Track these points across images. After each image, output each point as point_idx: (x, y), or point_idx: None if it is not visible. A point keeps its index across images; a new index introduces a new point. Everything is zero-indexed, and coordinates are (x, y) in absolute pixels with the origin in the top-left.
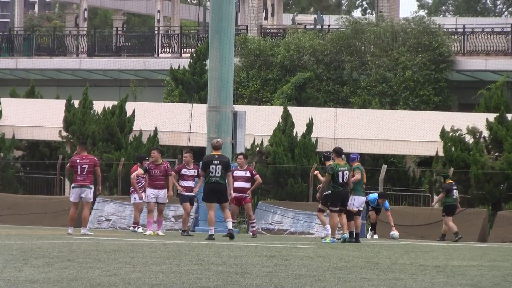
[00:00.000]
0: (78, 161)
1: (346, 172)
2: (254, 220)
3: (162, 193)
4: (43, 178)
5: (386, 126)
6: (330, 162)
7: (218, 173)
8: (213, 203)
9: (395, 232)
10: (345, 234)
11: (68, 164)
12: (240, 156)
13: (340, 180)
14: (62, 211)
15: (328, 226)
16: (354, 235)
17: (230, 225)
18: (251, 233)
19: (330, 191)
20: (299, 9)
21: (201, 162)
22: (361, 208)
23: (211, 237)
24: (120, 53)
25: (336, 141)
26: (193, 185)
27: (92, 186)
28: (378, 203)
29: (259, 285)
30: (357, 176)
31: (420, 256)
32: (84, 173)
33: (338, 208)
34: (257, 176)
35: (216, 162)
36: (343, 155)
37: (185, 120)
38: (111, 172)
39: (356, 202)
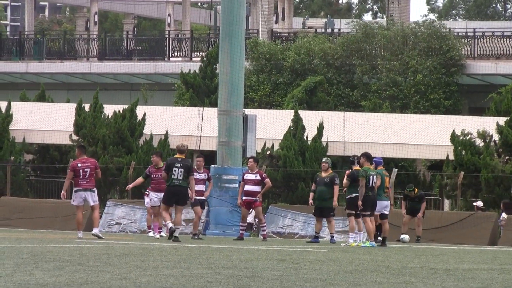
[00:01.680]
0: (79, 165)
1: (374, 177)
2: (265, 224)
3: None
4: (54, 182)
5: (397, 130)
6: (357, 167)
7: (180, 175)
8: (171, 206)
9: (405, 236)
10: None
11: (70, 170)
12: (250, 160)
13: (370, 185)
14: (73, 215)
15: (353, 234)
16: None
17: (177, 232)
18: (261, 237)
19: (353, 195)
20: (310, 13)
21: (165, 163)
22: (386, 212)
23: (175, 239)
24: (131, 57)
25: (345, 145)
26: (204, 189)
27: (95, 188)
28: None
29: None
30: (377, 182)
31: (431, 260)
32: (87, 176)
33: (369, 212)
34: (267, 179)
35: (179, 165)
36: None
37: (196, 124)
38: (122, 176)
39: (378, 206)
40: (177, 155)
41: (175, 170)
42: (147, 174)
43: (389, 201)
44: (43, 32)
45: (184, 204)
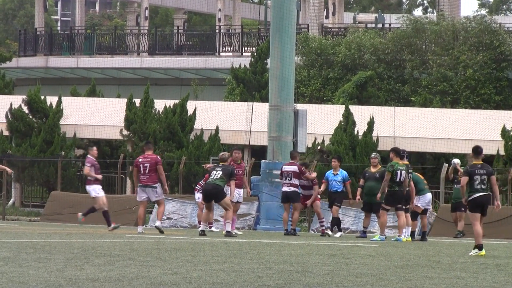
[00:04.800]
0: (140, 160)
1: (403, 172)
2: (323, 219)
3: (241, 192)
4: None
5: (447, 125)
6: (404, 162)
7: (216, 176)
8: (209, 203)
9: (455, 160)
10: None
11: (134, 166)
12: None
13: (397, 179)
14: (124, 210)
15: (403, 230)
16: (415, 234)
17: (229, 227)
18: (320, 232)
19: (392, 190)
20: (360, 8)
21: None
22: (428, 207)
23: (202, 233)
24: (181, 52)
25: (395, 140)
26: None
27: (156, 184)
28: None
29: (320, 284)
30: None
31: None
32: (147, 172)
33: (389, 207)
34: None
35: (218, 169)
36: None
37: (246, 118)
38: (172, 171)
39: (421, 200)
40: (220, 163)
41: (213, 173)
42: None
43: (430, 195)
44: (93, 27)
45: (220, 200)
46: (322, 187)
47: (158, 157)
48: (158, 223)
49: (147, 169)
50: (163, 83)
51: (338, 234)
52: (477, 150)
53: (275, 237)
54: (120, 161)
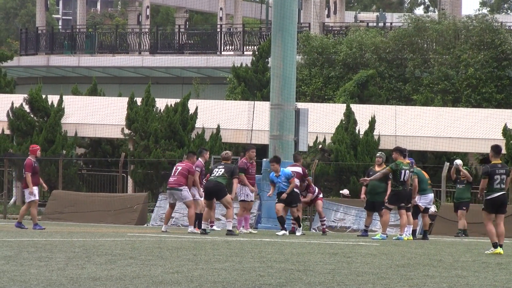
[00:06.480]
0: (177, 163)
1: (407, 172)
2: (325, 218)
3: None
4: (106, 176)
5: (448, 124)
6: (406, 160)
7: (218, 173)
8: (210, 201)
9: (458, 160)
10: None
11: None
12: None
13: (401, 179)
14: (125, 209)
15: (404, 228)
16: (416, 233)
17: (230, 226)
18: (321, 231)
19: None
20: (361, 6)
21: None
22: (430, 206)
23: (203, 232)
24: (183, 51)
25: (397, 139)
26: None
27: (181, 187)
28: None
29: (322, 283)
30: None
31: (483, 253)
32: (176, 174)
33: (392, 207)
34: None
35: (220, 167)
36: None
37: (247, 117)
38: None
39: (423, 199)
40: (223, 161)
41: (215, 171)
42: (245, 169)
43: (432, 194)
44: (95, 26)
45: (222, 198)
46: (271, 191)
47: (193, 167)
48: (191, 229)
49: (177, 172)
50: (164, 82)
51: (300, 232)
52: (497, 149)
53: (277, 236)
54: (121, 160)
